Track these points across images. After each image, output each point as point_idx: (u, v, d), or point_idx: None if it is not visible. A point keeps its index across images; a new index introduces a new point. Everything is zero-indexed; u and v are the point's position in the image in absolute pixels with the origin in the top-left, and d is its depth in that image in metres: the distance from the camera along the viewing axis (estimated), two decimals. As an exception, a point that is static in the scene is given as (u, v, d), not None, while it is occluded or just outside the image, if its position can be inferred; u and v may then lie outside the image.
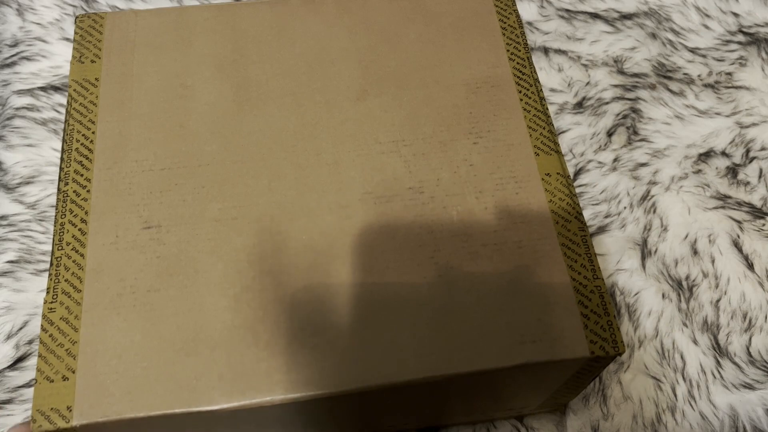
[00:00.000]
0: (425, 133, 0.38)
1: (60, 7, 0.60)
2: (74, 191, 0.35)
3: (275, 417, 0.33)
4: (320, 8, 0.42)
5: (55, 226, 0.34)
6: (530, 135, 0.38)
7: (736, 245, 0.51)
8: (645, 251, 0.50)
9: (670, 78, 0.58)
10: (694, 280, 0.49)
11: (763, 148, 0.55)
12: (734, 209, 0.52)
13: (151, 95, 0.38)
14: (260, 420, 0.33)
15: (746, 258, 0.50)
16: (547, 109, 0.39)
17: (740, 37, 0.60)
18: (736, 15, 0.61)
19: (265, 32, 0.41)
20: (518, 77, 0.40)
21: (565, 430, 0.44)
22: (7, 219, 0.50)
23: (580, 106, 0.56)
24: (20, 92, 0.55)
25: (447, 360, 0.32)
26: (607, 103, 0.56)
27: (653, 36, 0.60)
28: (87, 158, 0.36)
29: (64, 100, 0.55)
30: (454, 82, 0.40)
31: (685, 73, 0.58)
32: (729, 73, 0.58)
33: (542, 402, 0.41)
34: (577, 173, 0.53)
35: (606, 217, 0.52)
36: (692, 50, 0.59)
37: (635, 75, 0.58)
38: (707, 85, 0.58)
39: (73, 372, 0.31)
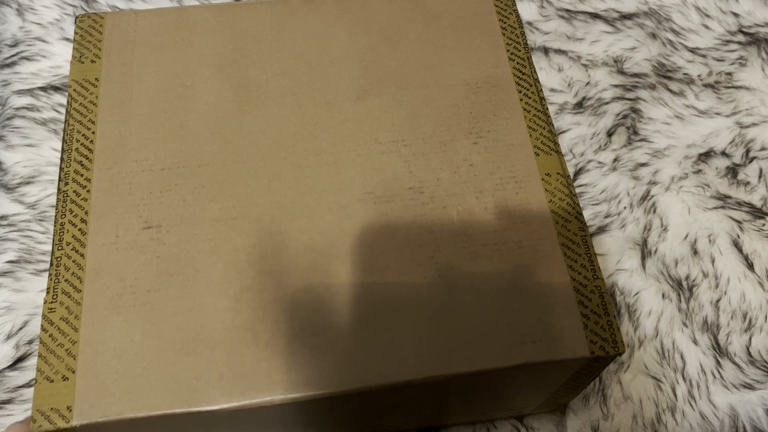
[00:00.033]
0: (425, 133, 0.38)
1: (60, 7, 0.60)
2: (74, 191, 0.35)
3: (275, 417, 0.33)
4: (320, 8, 0.42)
5: (55, 226, 0.34)
6: (530, 135, 0.38)
7: (736, 245, 0.51)
8: (645, 251, 0.50)
9: (670, 78, 0.58)
10: (694, 280, 0.49)
11: (763, 148, 0.55)
12: (734, 209, 0.52)
13: (151, 95, 0.38)
14: (260, 420, 0.33)
15: (746, 258, 0.50)
16: (547, 109, 0.39)
17: (740, 37, 0.60)
18: (736, 15, 0.61)
19: (265, 32, 0.41)
20: (518, 77, 0.40)
21: (565, 430, 0.44)
22: (7, 219, 0.50)
23: (580, 106, 0.56)
24: (20, 92, 0.55)
25: (447, 360, 0.32)
26: (607, 103, 0.56)
27: (653, 36, 0.60)
28: (87, 158, 0.36)
29: (64, 100, 0.55)
30: (454, 82, 0.40)
31: (685, 73, 0.58)
32: (729, 73, 0.58)
33: (542, 402, 0.41)
34: (577, 173, 0.53)
35: (606, 217, 0.52)
36: (692, 50, 0.59)
37: (635, 75, 0.58)
38: (707, 85, 0.58)
39: (73, 372, 0.31)
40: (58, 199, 0.35)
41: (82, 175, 0.36)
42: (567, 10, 0.61)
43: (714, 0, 0.62)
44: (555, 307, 0.33)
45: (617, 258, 0.50)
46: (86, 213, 0.35)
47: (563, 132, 0.55)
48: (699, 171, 0.54)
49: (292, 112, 0.38)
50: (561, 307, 0.33)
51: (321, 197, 0.35)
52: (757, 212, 0.52)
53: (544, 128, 0.38)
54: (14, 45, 0.58)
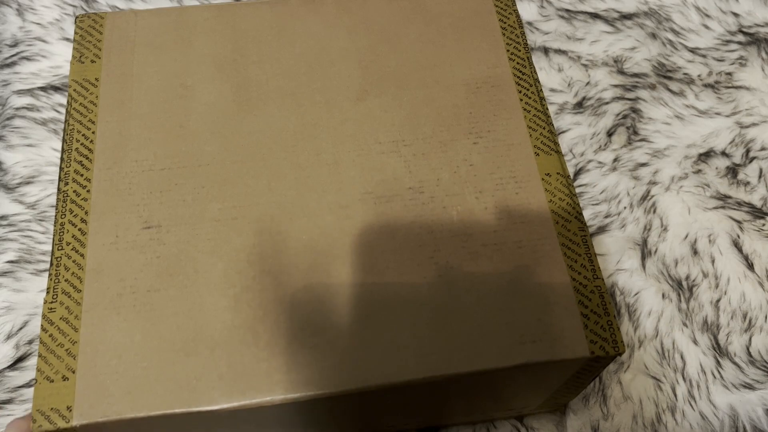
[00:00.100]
0: (425, 133, 0.38)
1: (60, 7, 0.60)
2: (74, 191, 0.35)
3: (275, 417, 0.33)
4: (320, 8, 0.42)
5: (55, 226, 0.34)
6: (530, 135, 0.38)
7: (736, 245, 0.51)
8: (645, 251, 0.50)
9: (670, 78, 0.58)
10: (694, 280, 0.49)
11: (763, 148, 0.55)
12: (734, 209, 0.52)
13: (151, 95, 0.38)
14: (260, 420, 0.33)
15: (746, 258, 0.50)
16: (547, 109, 0.39)
17: (740, 37, 0.60)
18: (736, 15, 0.61)
19: (265, 32, 0.41)
20: (518, 77, 0.40)
21: (565, 430, 0.44)
22: (7, 219, 0.50)
23: (580, 106, 0.56)
24: (20, 92, 0.55)
25: (447, 360, 0.32)
26: (607, 103, 0.56)
27: (653, 36, 0.60)
28: (87, 158, 0.36)
29: (64, 100, 0.55)
30: (454, 82, 0.40)
31: (685, 73, 0.58)
32: (729, 73, 0.58)
33: (542, 402, 0.41)
34: (577, 173, 0.53)
35: (606, 217, 0.52)
36: (692, 50, 0.59)
37: (635, 75, 0.58)
38: (707, 85, 0.58)
39: (73, 372, 0.31)
40: (58, 199, 0.35)
41: (82, 175, 0.36)
42: (567, 10, 0.61)
43: (714, 0, 0.62)
44: (555, 307, 0.33)
45: (617, 258, 0.50)
46: (86, 213, 0.35)
47: (563, 132, 0.55)
48: (699, 171, 0.54)
49: (292, 112, 0.38)
50: (561, 307, 0.33)
51: (321, 197, 0.35)
52: (757, 212, 0.52)
53: (544, 128, 0.38)
54: (14, 45, 0.58)
